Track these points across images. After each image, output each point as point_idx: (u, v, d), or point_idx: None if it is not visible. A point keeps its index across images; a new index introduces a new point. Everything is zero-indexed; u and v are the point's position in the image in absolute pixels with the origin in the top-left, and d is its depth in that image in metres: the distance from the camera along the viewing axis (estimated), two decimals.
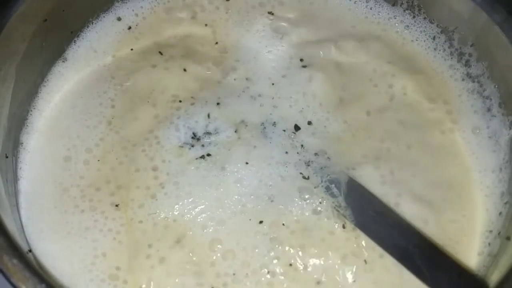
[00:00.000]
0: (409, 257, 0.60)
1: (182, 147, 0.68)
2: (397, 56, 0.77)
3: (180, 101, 0.71)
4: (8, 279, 0.50)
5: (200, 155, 0.67)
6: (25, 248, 0.58)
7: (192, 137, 0.69)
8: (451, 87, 0.75)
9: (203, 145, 0.68)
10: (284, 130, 0.70)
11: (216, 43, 0.77)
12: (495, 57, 0.69)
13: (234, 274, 0.61)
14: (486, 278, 0.60)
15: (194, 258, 0.62)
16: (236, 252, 0.63)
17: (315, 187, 0.66)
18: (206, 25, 0.78)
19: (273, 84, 0.74)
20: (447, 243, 0.64)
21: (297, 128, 0.70)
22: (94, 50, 0.75)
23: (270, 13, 0.79)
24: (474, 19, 0.70)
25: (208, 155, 0.67)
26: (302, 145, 0.69)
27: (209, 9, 0.79)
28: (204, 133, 0.69)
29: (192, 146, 0.68)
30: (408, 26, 0.78)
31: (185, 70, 0.74)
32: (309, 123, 0.71)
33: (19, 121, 0.68)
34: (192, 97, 0.72)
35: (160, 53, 0.75)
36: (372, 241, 0.62)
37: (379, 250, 0.62)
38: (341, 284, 0.62)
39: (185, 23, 0.79)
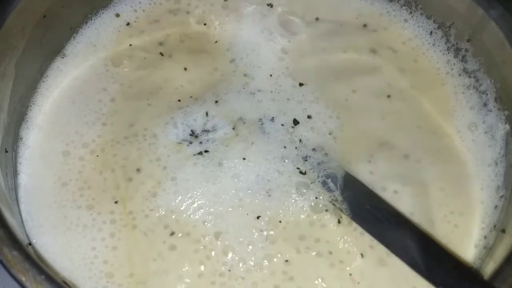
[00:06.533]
0: (405, 250, 0.60)
1: (180, 143, 0.68)
2: (393, 51, 0.77)
3: (179, 100, 0.71)
4: (8, 270, 0.50)
5: (198, 151, 0.67)
6: (25, 241, 0.58)
7: (190, 134, 0.69)
8: (447, 83, 0.75)
9: (201, 142, 0.68)
10: (283, 125, 0.70)
11: (215, 35, 0.77)
12: (491, 52, 0.70)
13: (230, 270, 0.62)
14: (481, 270, 0.60)
15: (193, 254, 0.62)
16: (234, 247, 0.63)
17: (311, 182, 0.66)
18: (204, 21, 0.79)
19: (272, 78, 0.74)
20: (443, 236, 0.65)
21: (296, 122, 0.70)
22: (93, 46, 0.75)
23: (269, 5, 0.79)
24: (471, 15, 0.70)
25: (206, 151, 0.67)
26: (300, 140, 0.69)
27: (208, 5, 0.80)
28: (202, 130, 0.69)
29: (190, 143, 0.68)
30: (405, 21, 0.78)
31: (185, 67, 0.74)
32: (309, 117, 0.71)
33: (18, 116, 0.69)
34: (191, 96, 0.72)
35: (161, 53, 0.75)
36: (368, 234, 0.63)
37: (375, 243, 0.62)
38: (337, 278, 0.62)
39: (184, 20, 0.79)
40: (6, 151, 0.65)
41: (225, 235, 0.63)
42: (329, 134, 0.70)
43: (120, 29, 0.77)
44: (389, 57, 0.77)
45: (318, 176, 0.67)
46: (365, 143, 0.70)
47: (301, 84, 0.73)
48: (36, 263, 0.52)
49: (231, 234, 0.63)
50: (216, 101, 0.71)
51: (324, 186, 0.66)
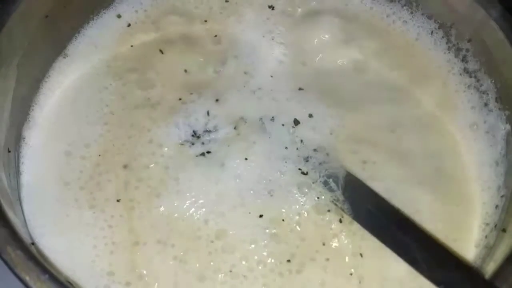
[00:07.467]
0: (406, 250, 0.60)
1: (182, 144, 0.68)
2: (395, 52, 0.77)
3: (180, 99, 0.71)
4: (12, 269, 0.50)
5: (200, 152, 0.68)
6: (28, 240, 0.58)
7: (192, 135, 0.69)
8: (448, 83, 0.75)
9: (203, 143, 0.68)
10: (283, 124, 0.70)
11: (215, 35, 0.77)
12: (491, 52, 0.70)
13: (231, 271, 0.62)
14: (482, 269, 0.60)
15: (195, 253, 0.62)
16: (236, 246, 0.63)
17: (313, 182, 0.66)
18: (205, 21, 0.79)
19: (273, 78, 0.74)
20: (444, 236, 0.65)
21: (296, 122, 0.70)
22: (95, 46, 0.76)
23: (271, 7, 0.79)
24: (471, 15, 0.70)
25: (208, 152, 0.68)
26: (301, 140, 0.69)
27: (209, 5, 0.80)
28: (204, 131, 0.69)
29: (193, 144, 0.68)
30: (406, 22, 0.79)
31: (185, 67, 0.74)
32: (310, 116, 0.71)
33: (21, 116, 0.69)
34: (191, 94, 0.72)
35: (161, 51, 0.75)
36: (369, 234, 0.63)
37: (376, 243, 0.62)
38: (338, 278, 0.62)
39: (185, 20, 0.79)
40: (9, 151, 0.65)
41: (227, 234, 0.63)
42: (330, 134, 0.70)
43: (121, 29, 0.78)
44: (390, 57, 0.77)
45: (320, 176, 0.67)
46: (366, 143, 0.70)
47: (300, 89, 0.73)
48: (40, 263, 0.52)
49: (234, 233, 0.63)
50: (217, 100, 0.71)
51: (325, 186, 0.66)
